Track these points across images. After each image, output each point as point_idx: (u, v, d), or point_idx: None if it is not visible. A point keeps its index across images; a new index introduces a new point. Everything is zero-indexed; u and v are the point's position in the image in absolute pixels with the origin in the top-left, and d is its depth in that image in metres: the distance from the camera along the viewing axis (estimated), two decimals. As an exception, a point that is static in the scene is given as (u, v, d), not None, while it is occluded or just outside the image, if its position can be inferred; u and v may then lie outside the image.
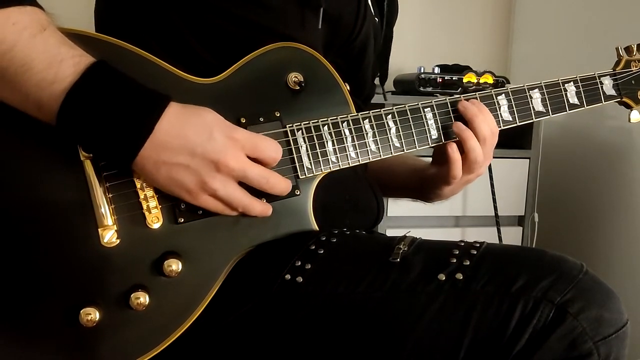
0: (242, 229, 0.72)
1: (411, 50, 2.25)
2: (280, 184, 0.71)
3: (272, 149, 0.70)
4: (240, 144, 0.67)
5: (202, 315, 0.69)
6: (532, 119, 0.88)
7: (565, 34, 2.14)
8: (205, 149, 0.65)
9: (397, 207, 1.77)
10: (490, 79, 1.88)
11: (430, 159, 0.95)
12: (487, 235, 1.88)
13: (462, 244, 0.70)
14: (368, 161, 0.79)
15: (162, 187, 0.67)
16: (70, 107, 0.62)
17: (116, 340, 0.67)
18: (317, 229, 0.76)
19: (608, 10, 1.93)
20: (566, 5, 2.13)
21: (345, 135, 0.77)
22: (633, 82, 0.95)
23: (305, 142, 0.75)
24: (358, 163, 0.78)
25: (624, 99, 0.95)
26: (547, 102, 0.89)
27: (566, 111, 0.90)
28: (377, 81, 1.05)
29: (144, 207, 0.68)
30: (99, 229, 0.66)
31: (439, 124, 0.83)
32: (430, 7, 2.34)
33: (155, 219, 0.68)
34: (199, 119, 0.66)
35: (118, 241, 0.67)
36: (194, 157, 0.65)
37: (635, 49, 0.96)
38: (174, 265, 0.67)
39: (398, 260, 0.68)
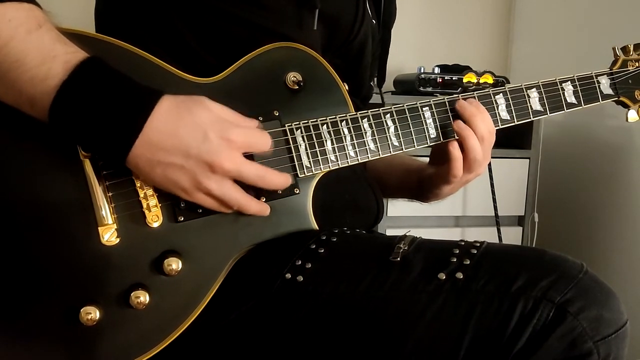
0: (242, 227, 0.72)
1: (411, 50, 2.25)
2: (276, 180, 0.71)
3: (263, 142, 0.70)
4: (236, 145, 0.67)
5: (202, 314, 0.69)
6: (530, 118, 0.88)
7: (565, 34, 2.14)
8: (199, 151, 0.65)
9: (397, 207, 1.77)
10: (490, 79, 1.87)
11: (427, 159, 0.95)
12: (487, 235, 1.88)
13: (463, 243, 0.70)
14: (367, 160, 0.79)
15: (157, 185, 0.68)
16: (62, 104, 0.62)
17: (116, 339, 0.67)
18: (317, 228, 0.76)
19: (608, 10, 1.93)
20: (566, 6, 2.13)
21: (344, 134, 0.77)
22: (630, 81, 0.95)
23: (304, 141, 0.75)
24: (357, 162, 0.78)
25: (621, 98, 0.96)
26: (545, 101, 0.89)
27: (564, 110, 0.90)
28: (375, 83, 1.06)
29: (144, 205, 0.68)
30: (99, 228, 0.66)
31: (438, 123, 0.83)
32: (430, 7, 2.34)
33: (155, 218, 0.68)
34: (192, 116, 0.66)
35: (118, 240, 0.67)
36: (189, 158, 0.65)
37: (632, 49, 0.97)
38: (174, 264, 0.67)
39: (398, 259, 0.68)
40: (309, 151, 0.75)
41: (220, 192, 0.67)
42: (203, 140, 0.65)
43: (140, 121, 0.63)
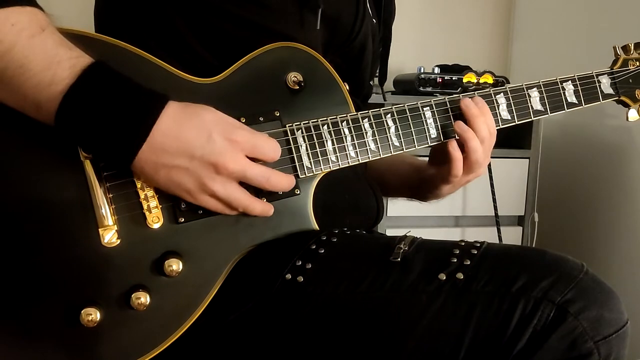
0: (243, 228, 0.72)
1: (411, 50, 2.25)
2: (281, 182, 0.71)
3: (271, 149, 0.70)
4: (240, 146, 0.67)
5: (202, 315, 0.69)
6: (531, 118, 0.88)
7: (565, 34, 2.14)
8: (204, 152, 0.65)
9: (397, 207, 1.77)
10: (490, 79, 1.88)
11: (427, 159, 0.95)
12: (487, 235, 1.88)
13: (463, 243, 0.70)
14: (367, 160, 0.79)
15: (161, 188, 0.67)
16: (68, 109, 0.62)
17: (117, 341, 0.67)
18: (318, 228, 0.76)
19: (608, 10, 1.93)
20: (566, 5, 2.14)
21: (344, 134, 0.77)
22: (631, 80, 0.95)
23: (304, 141, 0.75)
24: (358, 162, 0.78)
25: (622, 98, 0.95)
26: (546, 101, 0.89)
27: (564, 110, 0.90)
28: (376, 82, 1.05)
29: (145, 207, 0.68)
30: (100, 229, 0.66)
31: (438, 123, 0.83)
32: (430, 7, 2.34)
33: (155, 219, 0.68)
34: (197, 119, 0.66)
35: (118, 241, 0.67)
36: (193, 159, 0.65)
37: (632, 48, 0.96)
38: (175, 265, 0.67)
39: (399, 260, 0.68)
40: (309, 151, 0.75)
41: (225, 194, 0.67)
42: (207, 141, 0.65)
43: (147, 127, 0.63)
